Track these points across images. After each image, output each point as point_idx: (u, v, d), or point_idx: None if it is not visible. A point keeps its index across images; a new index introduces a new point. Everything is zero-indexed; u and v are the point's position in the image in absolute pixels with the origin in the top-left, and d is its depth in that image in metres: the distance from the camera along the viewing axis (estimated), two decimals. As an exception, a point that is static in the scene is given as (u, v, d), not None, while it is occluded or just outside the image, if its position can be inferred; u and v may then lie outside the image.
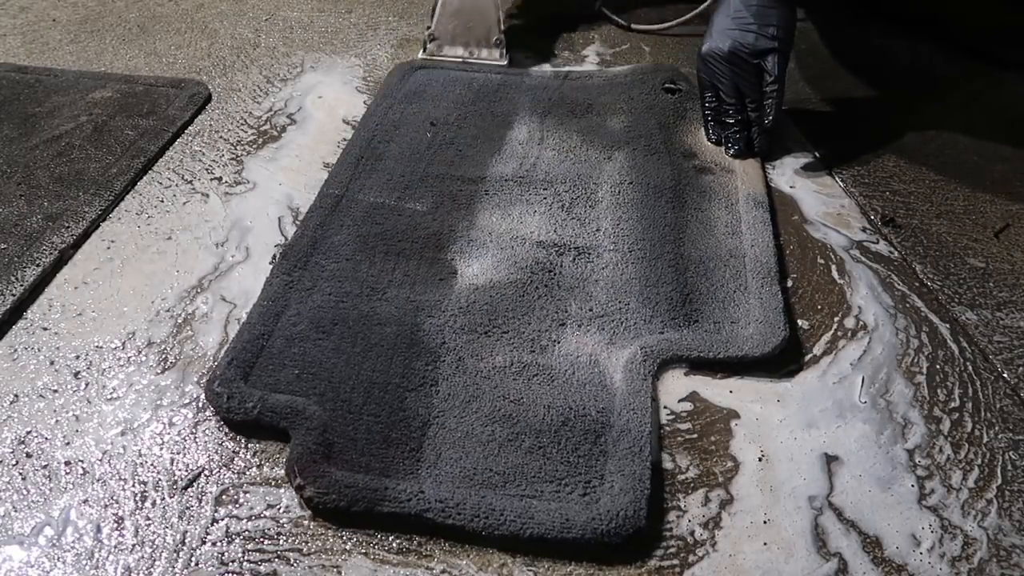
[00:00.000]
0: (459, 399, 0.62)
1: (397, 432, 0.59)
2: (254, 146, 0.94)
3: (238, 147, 0.94)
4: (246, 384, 0.62)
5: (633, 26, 1.20)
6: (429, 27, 1.08)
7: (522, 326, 0.68)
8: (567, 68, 1.10)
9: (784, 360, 0.67)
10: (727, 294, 0.72)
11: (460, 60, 1.08)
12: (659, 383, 0.65)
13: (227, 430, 0.60)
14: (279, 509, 0.55)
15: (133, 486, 0.56)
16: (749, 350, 0.66)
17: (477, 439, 0.59)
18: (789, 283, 0.75)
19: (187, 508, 0.55)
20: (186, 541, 0.53)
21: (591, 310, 0.70)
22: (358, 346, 0.65)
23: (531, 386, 0.63)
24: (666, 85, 1.04)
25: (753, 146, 0.90)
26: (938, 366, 0.67)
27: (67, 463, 0.58)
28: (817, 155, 0.95)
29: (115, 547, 0.52)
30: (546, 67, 1.11)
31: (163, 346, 0.67)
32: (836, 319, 0.71)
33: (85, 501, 0.55)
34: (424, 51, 1.10)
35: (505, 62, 1.08)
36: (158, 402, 0.63)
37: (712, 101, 0.92)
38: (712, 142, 0.93)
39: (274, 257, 0.75)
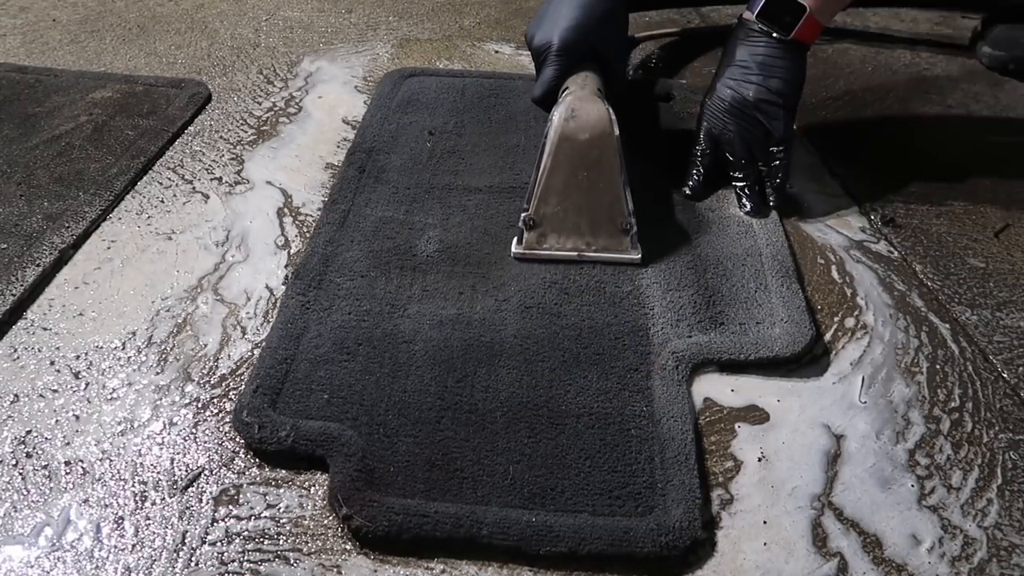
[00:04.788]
0: (497, 414, 0.61)
1: (438, 453, 0.58)
2: (254, 146, 0.94)
3: (238, 147, 0.94)
4: (275, 412, 0.60)
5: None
6: (526, 210, 0.75)
7: (551, 335, 0.67)
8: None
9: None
10: (748, 294, 0.72)
11: (575, 255, 0.75)
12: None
13: (227, 430, 0.60)
14: (279, 509, 0.55)
15: (133, 486, 0.56)
16: (779, 350, 0.66)
17: (520, 454, 0.58)
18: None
19: (187, 508, 0.55)
20: (186, 541, 0.53)
21: (616, 316, 0.70)
22: (386, 366, 0.64)
23: (568, 397, 0.62)
24: (661, 92, 1.04)
25: (768, 203, 0.83)
26: (938, 366, 0.67)
27: (67, 463, 0.58)
28: (817, 155, 0.95)
29: (115, 547, 0.52)
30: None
31: (163, 346, 0.67)
32: (836, 319, 0.71)
33: (85, 501, 0.55)
34: (520, 243, 0.76)
35: (638, 256, 0.75)
36: (158, 402, 0.63)
37: (707, 154, 0.84)
38: (688, 197, 0.84)
39: (286, 278, 0.75)
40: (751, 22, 0.80)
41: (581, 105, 0.73)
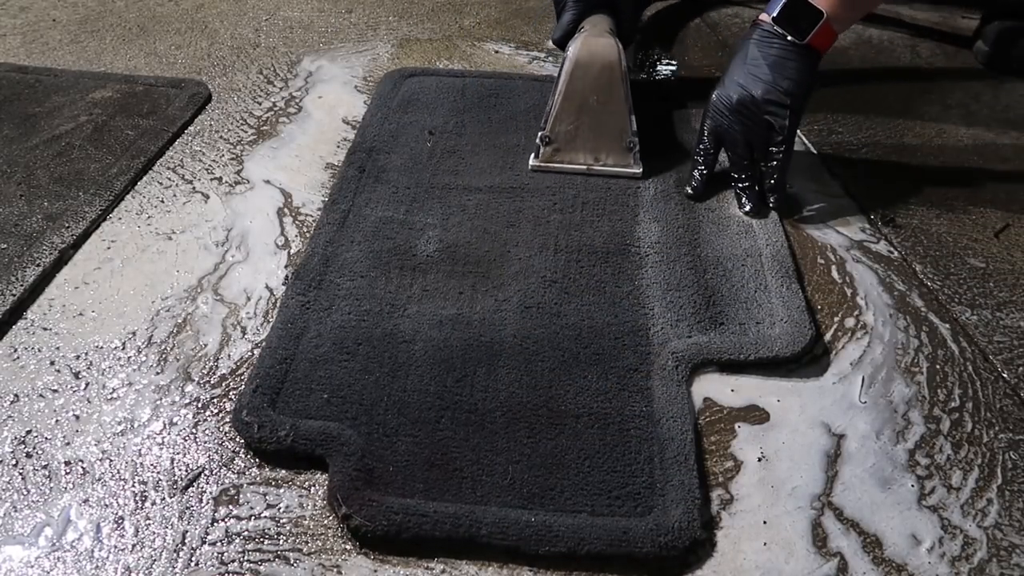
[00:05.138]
0: (496, 414, 0.61)
1: (437, 453, 0.58)
2: (254, 146, 0.94)
3: (238, 147, 0.94)
4: (274, 411, 0.60)
5: None
6: (543, 128, 0.87)
7: (551, 335, 0.67)
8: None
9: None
10: (748, 294, 0.72)
11: (584, 168, 0.87)
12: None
13: (227, 430, 0.60)
14: (279, 509, 0.55)
15: (133, 486, 0.56)
16: (779, 350, 0.66)
17: (519, 454, 0.58)
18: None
19: (187, 508, 0.55)
20: (186, 541, 0.53)
21: (616, 316, 0.70)
22: (386, 366, 0.64)
23: (568, 397, 0.62)
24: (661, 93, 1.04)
25: (768, 203, 0.82)
26: (938, 366, 0.67)
27: (67, 463, 0.58)
28: (816, 155, 0.95)
29: (115, 547, 0.52)
30: (536, 66, 1.11)
31: (163, 346, 0.67)
32: (836, 319, 0.71)
33: (85, 501, 0.55)
34: (537, 157, 0.88)
35: (640, 171, 0.87)
36: (158, 402, 0.63)
37: (710, 153, 0.84)
38: (690, 196, 0.84)
39: (286, 278, 0.75)
40: (766, 24, 0.80)
41: (594, 40, 0.85)
